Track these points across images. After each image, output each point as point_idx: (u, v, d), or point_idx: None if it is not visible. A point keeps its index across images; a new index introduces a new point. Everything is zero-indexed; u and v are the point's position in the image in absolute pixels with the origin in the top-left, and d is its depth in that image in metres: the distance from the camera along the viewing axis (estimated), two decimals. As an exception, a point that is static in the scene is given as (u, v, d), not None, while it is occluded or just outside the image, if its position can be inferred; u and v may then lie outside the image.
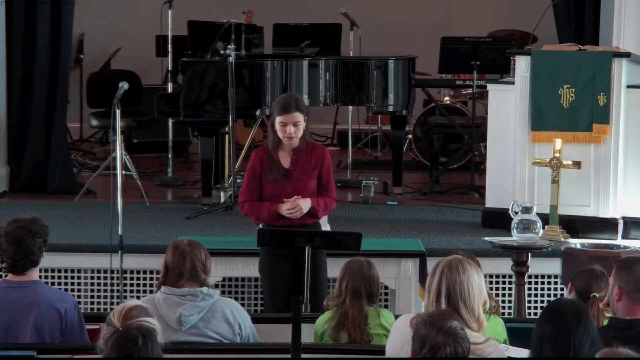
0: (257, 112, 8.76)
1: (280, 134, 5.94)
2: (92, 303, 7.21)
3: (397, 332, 4.25)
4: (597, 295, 4.75)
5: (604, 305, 4.74)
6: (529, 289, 7.06)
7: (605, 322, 4.55)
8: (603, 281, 4.81)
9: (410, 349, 3.70)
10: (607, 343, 3.99)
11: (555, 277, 7.10)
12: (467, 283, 4.23)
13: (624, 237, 7.55)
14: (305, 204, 5.96)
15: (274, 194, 5.99)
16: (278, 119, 5.92)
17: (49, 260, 5.35)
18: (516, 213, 6.55)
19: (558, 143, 7.44)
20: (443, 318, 3.68)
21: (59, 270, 7.23)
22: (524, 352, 4.28)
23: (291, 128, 5.90)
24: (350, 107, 10.34)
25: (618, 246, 6.83)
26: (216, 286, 5.89)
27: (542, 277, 7.20)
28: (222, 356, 4.76)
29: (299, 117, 5.92)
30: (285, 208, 5.93)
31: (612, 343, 3.92)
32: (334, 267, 6.14)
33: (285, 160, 6.02)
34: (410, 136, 10.49)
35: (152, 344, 3.66)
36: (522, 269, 6.51)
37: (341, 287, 5.14)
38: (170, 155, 10.11)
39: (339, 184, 9.59)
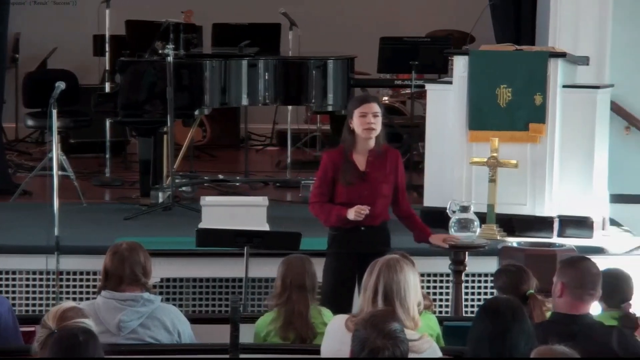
0: (196, 112, 8.72)
1: (359, 128, 5.86)
2: (27, 305, 7.12)
3: (333, 334, 4.25)
4: (533, 292, 4.80)
5: (543, 297, 4.79)
6: (466, 287, 7.11)
7: (548, 315, 4.60)
8: (528, 275, 4.88)
9: (349, 350, 3.70)
10: (546, 338, 4.02)
11: (492, 275, 7.14)
12: (404, 283, 4.25)
13: (560, 235, 7.61)
14: None
15: (350, 197, 5.89)
16: (357, 111, 5.86)
17: (-17, 262, 5.29)
18: (454, 212, 6.58)
19: (495, 142, 7.50)
20: (384, 320, 3.68)
21: (-6, 272, 7.14)
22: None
23: (371, 118, 5.86)
24: (290, 107, 10.34)
25: (554, 244, 6.89)
26: (154, 287, 5.86)
27: (480, 275, 7.26)
28: (160, 357, 4.73)
29: (378, 108, 5.91)
30: (352, 215, 5.83)
31: (548, 340, 3.96)
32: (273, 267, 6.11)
33: (360, 162, 5.94)
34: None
35: (95, 343, 3.63)
36: (460, 268, 6.54)
37: (285, 284, 5.12)
38: (108, 156, 10.01)
39: (277, 184, 9.63)
